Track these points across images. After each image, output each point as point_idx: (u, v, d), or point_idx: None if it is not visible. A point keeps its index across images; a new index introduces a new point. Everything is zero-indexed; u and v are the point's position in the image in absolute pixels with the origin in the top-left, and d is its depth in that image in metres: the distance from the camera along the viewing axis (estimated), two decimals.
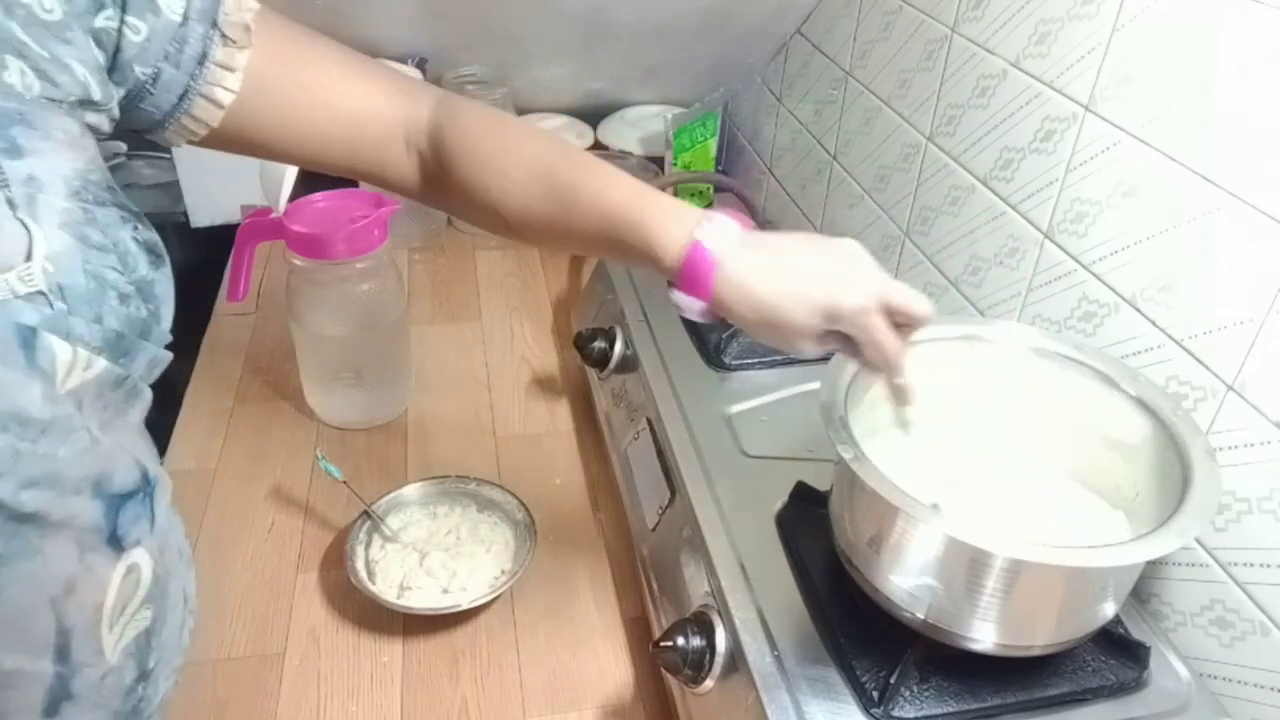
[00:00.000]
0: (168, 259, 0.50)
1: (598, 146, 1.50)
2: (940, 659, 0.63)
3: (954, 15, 0.93)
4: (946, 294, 0.96)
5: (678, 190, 1.42)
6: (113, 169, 0.57)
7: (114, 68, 0.53)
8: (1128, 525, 0.66)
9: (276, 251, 1.22)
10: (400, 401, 1.09)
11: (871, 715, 0.61)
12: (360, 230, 0.97)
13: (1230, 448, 0.65)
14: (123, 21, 0.52)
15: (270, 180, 1.06)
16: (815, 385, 0.65)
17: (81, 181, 0.47)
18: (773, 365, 0.94)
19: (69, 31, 0.48)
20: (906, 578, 0.61)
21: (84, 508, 0.45)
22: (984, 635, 0.60)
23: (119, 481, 0.47)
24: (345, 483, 0.88)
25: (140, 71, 0.54)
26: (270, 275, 1.31)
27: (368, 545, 0.88)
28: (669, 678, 0.73)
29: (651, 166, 1.44)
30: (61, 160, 0.46)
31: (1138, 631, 0.67)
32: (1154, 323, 0.71)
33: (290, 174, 1.06)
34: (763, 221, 1.35)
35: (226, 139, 0.60)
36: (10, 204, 0.43)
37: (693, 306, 0.58)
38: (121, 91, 0.53)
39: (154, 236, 0.50)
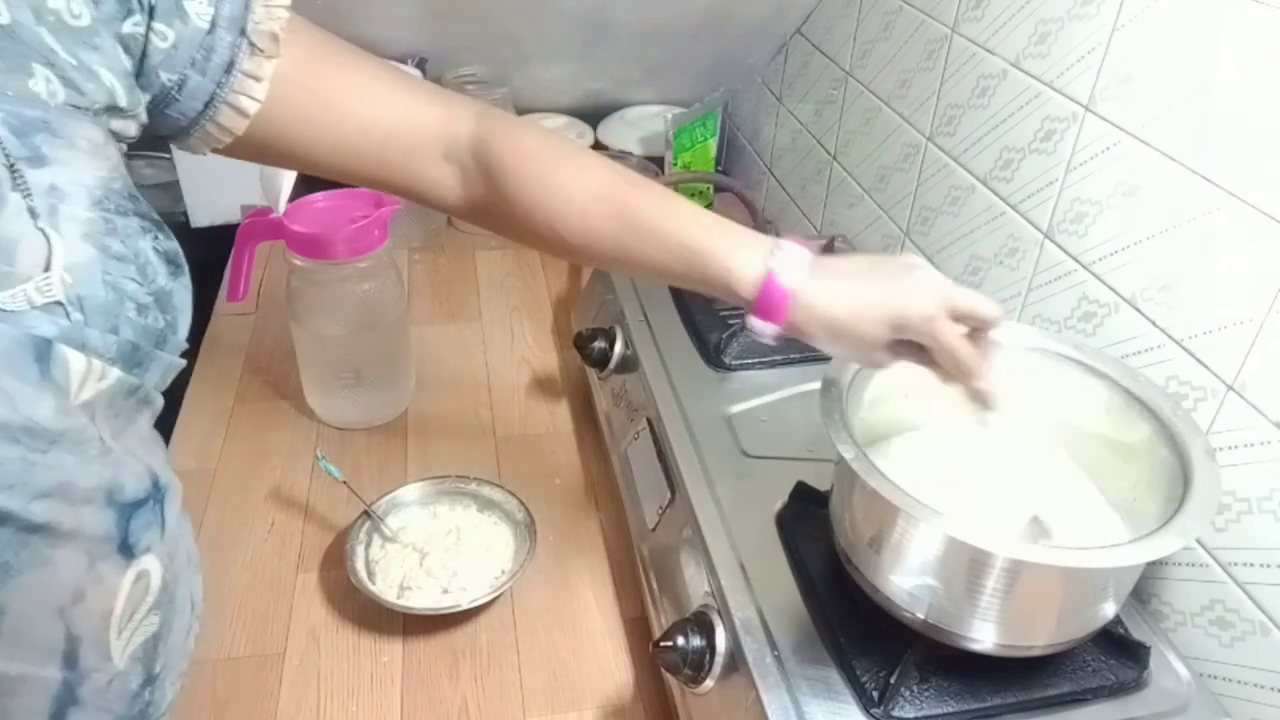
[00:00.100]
0: (187, 269, 0.50)
1: (598, 146, 1.50)
2: (940, 659, 0.63)
3: (954, 15, 0.93)
4: None
5: (677, 190, 1.42)
6: None
7: (140, 73, 0.52)
8: (1128, 526, 0.66)
9: (276, 251, 1.22)
10: (400, 401, 1.09)
11: (871, 715, 0.61)
12: (360, 230, 0.97)
13: (1230, 448, 0.65)
14: (149, 28, 0.52)
15: (270, 180, 1.07)
16: (815, 385, 0.65)
17: (104, 190, 0.46)
18: (773, 365, 0.94)
19: (97, 38, 0.48)
20: (906, 578, 0.61)
21: (95, 517, 0.45)
22: (984, 635, 0.60)
23: (130, 490, 0.47)
24: (345, 483, 0.88)
25: (166, 78, 0.53)
26: (270, 275, 1.31)
27: (368, 545, 0.88)
28: (669, 678, 0.73)
29: (651, 166, 1.44)
30: (84, 169, 0.46)
31: (1138, 631, 0.67)
32: (1154, 323, 0.71)
33: (290, 174, 1.06)
34: (762, 222, 1.35)
35: (252, 147, 0.60)
36: (32, 213, 0.42)
37: (768, 330, 0.61)
38: (147, 97, 0.53)
39: (174, 246, 0.50)
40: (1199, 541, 0.68)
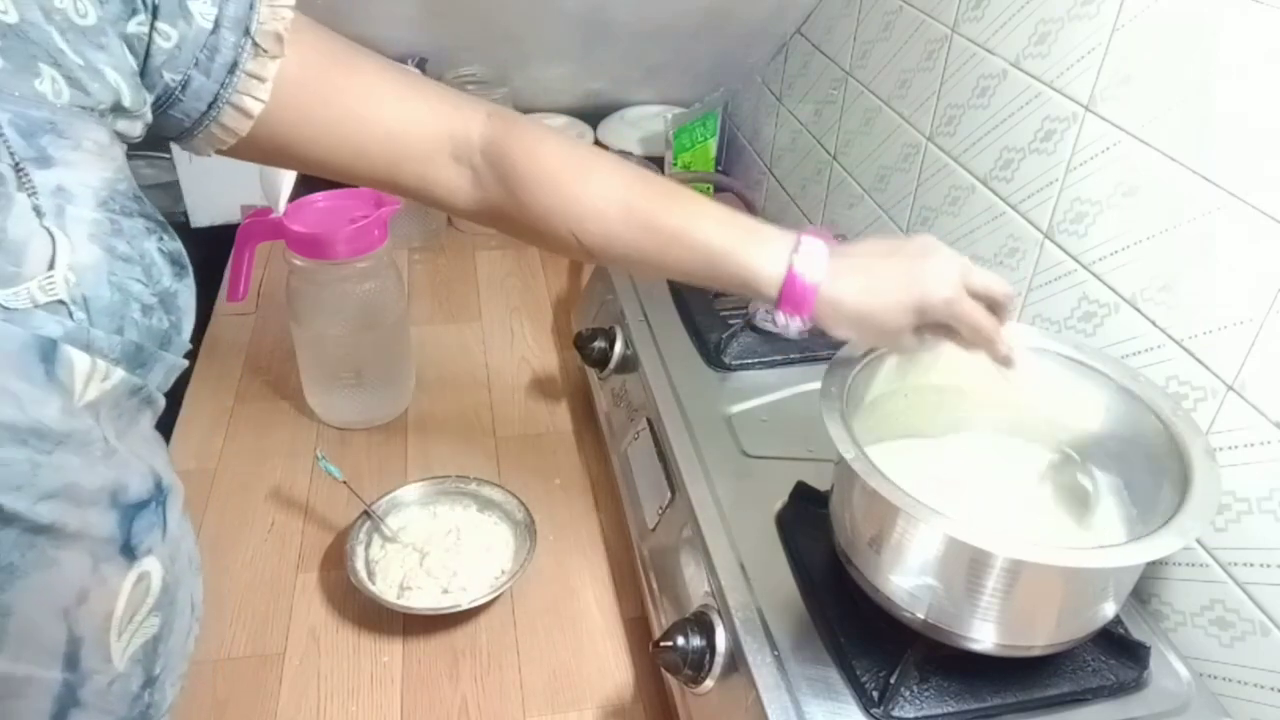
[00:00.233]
0: (191, 270, 0.50)
1: (597, 146, 1.50)
2: (940, 659, 0.63)
3: (954, 15, 0.93)
4: None
5: None
6: None
7: (144, 73, 0.52)
8: (1127, 526, 0.66)
9: (276, 251, 1.22)
10: (400, 401, 1.09)
11: (871, 715, 0.61)
12: (360, 230, 0.97)
13: (1230, 448, 0.65)
14: (153, 27, 0.51)
15: (270, 180, 1.07)
16: (815, 385, 0.65)
17: (109, 192, 0.46)
18: (773, 365, 0.94)
19: (103, 37, 0.48)
20: (906, 578, 0.61)
21: (99, 519, 0.45)
22: (984, 635, 0.60)
23: (134, 491, 0.47)
24: (345, 483, 0.88)
25: (170, 78, 0.53)
26: (270, 275, 1.31)
27: (368, 545, 0.88)
28: (669, 678, 0.73)
29: (652, 166, 1.44)
30: (90, 171, 0.46)
31: (1138, 631, 0.67)
32: (1154, 323, 0.71)
33: (290, 174, 1.06)
34: None
35: (258, 148, 0.60)
36: (37, 211, 0.42)
37: (792, 325, 0.63)
38: (151, 97, 0.53)
39: (178, 247, 0.50)
40: (1199, 541, 0.68)
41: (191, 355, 0.52)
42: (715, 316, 1.00)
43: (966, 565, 0.57)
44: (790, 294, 0.62)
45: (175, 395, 1.08)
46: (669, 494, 0.81)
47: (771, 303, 0.63)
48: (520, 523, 0.90)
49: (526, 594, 0.88)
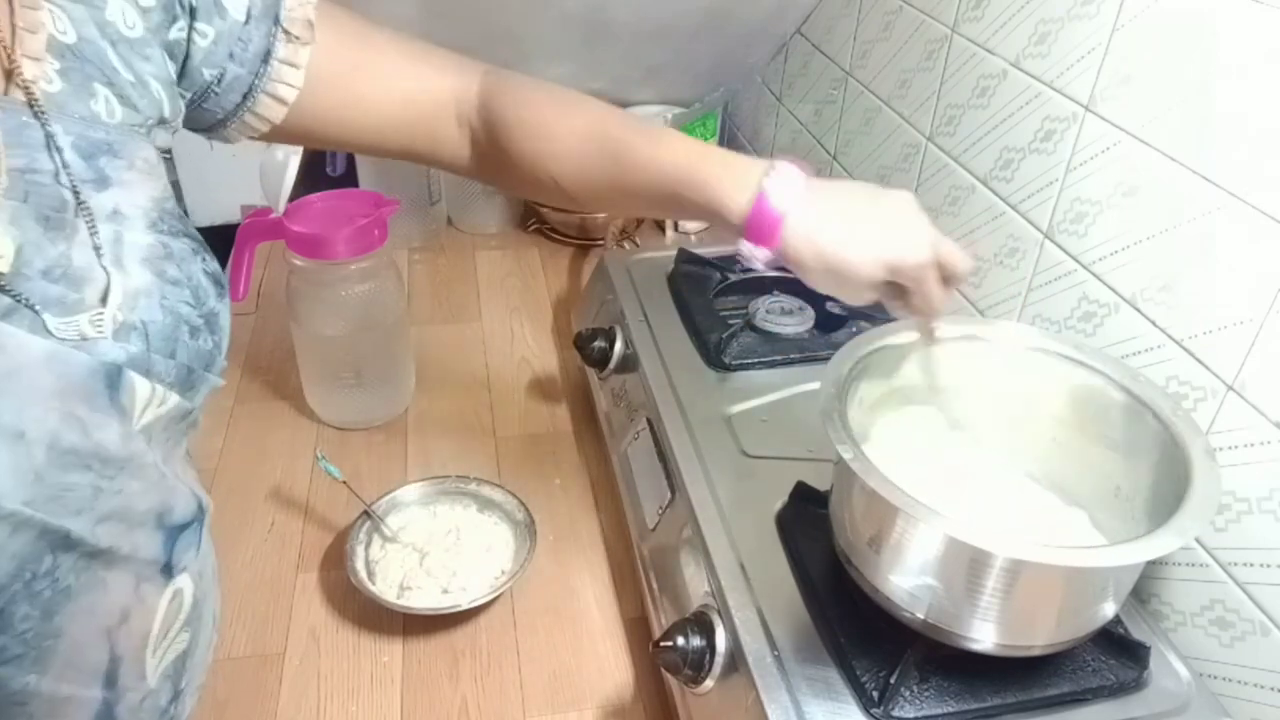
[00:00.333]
0: (227, 288, 0.52)
1: None
2: (940, 659, 0.63)
3: (954, 15, 0.93)
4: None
5: None
6: None
7: (182, 74, 0.53)
8: (1127, 525, 0.66)
9: (276, 251, 1.22)
10: (400, 401, 1.09)
11: (871, 715, 0.61)
12: (360, 230, 0.97)
13: (1230, 448, 0.65)
14: (192, 28, 0.52)
15: (270, 180, 1.06)
16: (815, 385, 0.65)
17: (159, 212, 0.47)
18: (773, 365, 0.94)
19: (148, 48, 0.49)
20: (906, 578, 0.61)
21: (147, 540, 0.46)
22: (984, 635, 0.60)
23: (179, 512, 0.48)
24: (345, 483, 0.88)
25: (208, 74, 0.54)
26: (270, 275, 1.31)
27: (368, 545, 0.88)
28: (669, 678, 0.73)
29: None
30: (141, 190, 0.46)
31: (1138, 631, 0.67)
32: (1154, 323, 0.71)
33: (290, 174, 1.06)
34: None
35: (286, 132, 0.60)
36: (97, 251, 0.43)
37: (759, 256, 0.59)
38: (188, 95, 0.54)
39: (217, 267, 0.51)
40: (1199, 541, 0.68)
41: None
42: (715, 316, 1.00)
43: (966, 565, 0.57)
44: (758, 220, 0.58)
45: None
46: (669, 494, 0.81)
47: (737, 229, 0.59)
48: (520, 523, 0.90)
49: (526, 594, 0.88)
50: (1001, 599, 0.58)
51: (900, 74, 1.03)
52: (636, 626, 0.85)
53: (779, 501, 0.77)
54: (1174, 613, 0.71)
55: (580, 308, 1.18)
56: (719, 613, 0.68)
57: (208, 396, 0.50)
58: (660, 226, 1.32)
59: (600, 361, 1.01)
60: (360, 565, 0.86)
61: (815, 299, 0.99)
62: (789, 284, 1.00)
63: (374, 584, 0.85)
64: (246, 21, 0.55)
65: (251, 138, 0.60)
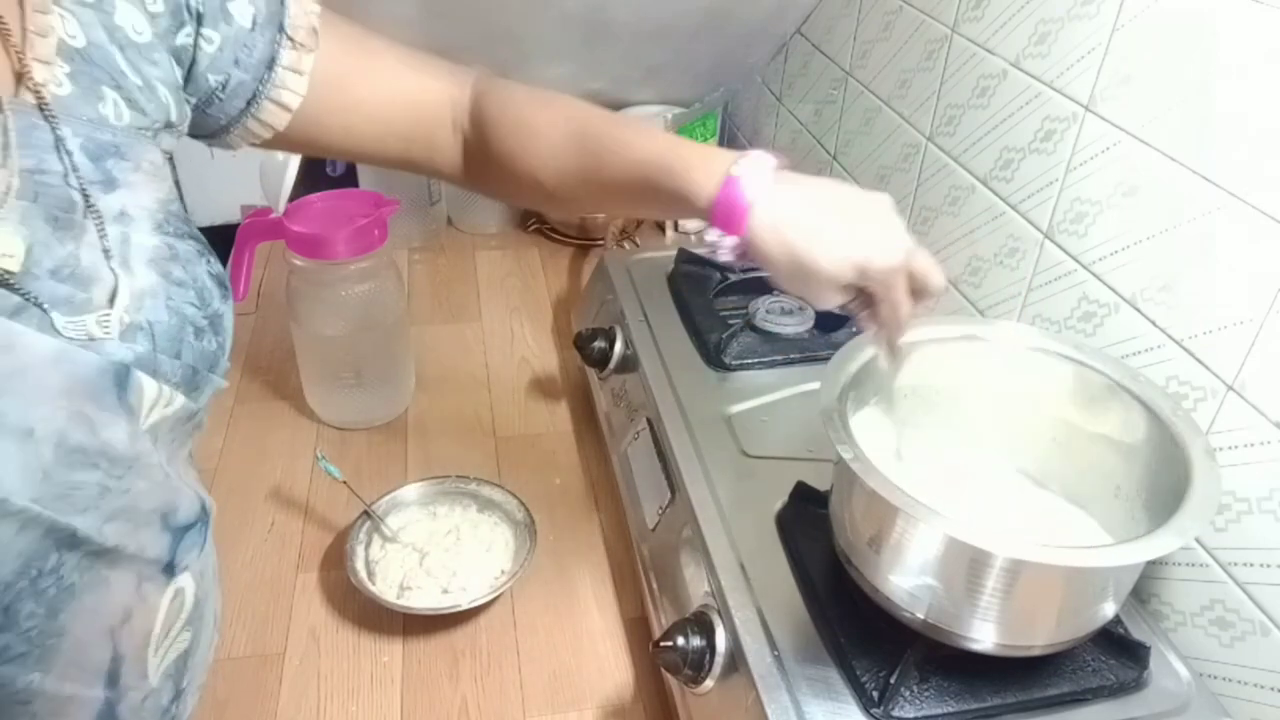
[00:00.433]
0: (231, 291, 0.52)
1: None
2: (940, 659, 0.63)
3: (954, 15, 0.93)
4: (946, 294, 0.96)
5: None
6: None
7: (188, 79, 0.53)
8: (1127, 525, 0.66)
9: (276, 251, 1.22)
10: (400, 401, 1.09)
11: (871, 715, 0.61)
12: (360, 230, 0.97)
13: (1230, 448, 0.65)
14: (198, 34, 0.53)
15: (270, 180, 1.06)
16: (815, 385, 0.65)
17: (164, 214, 0.48)
18: (773, 365, 0.94)
19: (155, 53, 0.49)
20: (906, 578, 0.61)
21: (153, 540, 0.46)
22: (984, 635, 0.60)
23: (183, 513, 0.49)
24: (345, 483, 0.88)
25: (213, 79, 0.54)
26: (270, 275, 1.31)
27: (368, 545, 0.88)
28: (669, 678, 0.73)
29: None
30: (147, 192, 0.47)
31: (1138, 631, 0.67)
32: (1154, 323, 0.71)
33: (290, 174, 1.06)
34: None
35: (288, 139, 0.61)
36: (106, 254, 0.44)
37: (725, 244, 0.57)
38: (193, 101, 0.54)
39: (221, 269, 0.51)
40: (1199, 541, 0.68)
41: None
42: (715, 316, 1.00)
43: (966, 565, 0.57)
44: (725, 205, 0.56)
45: None
46: (669, 494, 0.81)
47: (705, 214, 0.57)
48: (520, 523, 0.90)
49: (526, 594, 0.88)
50: (1001, 599, 0.58)
51: (900, 74, 1.03)
52: (636, 626, 0.85)
53: (779, 501, 0.77)
54: (1174, 613, 0.71)
55: (580, 308, 1.18)
56: (719, 613, 0.68)
57: (212, 398, 0.50)
58: (660, 227, 1.32)
59: (600, 361, 1.01)
60: (360, 565, 0.86)
61: None
62: None
63: (374, 584, 0.85)
64: (252, 28, 0.55)
65: (254, 144, 0.60)
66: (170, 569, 0.48)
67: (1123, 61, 0.73)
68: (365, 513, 0.89)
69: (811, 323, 0.98)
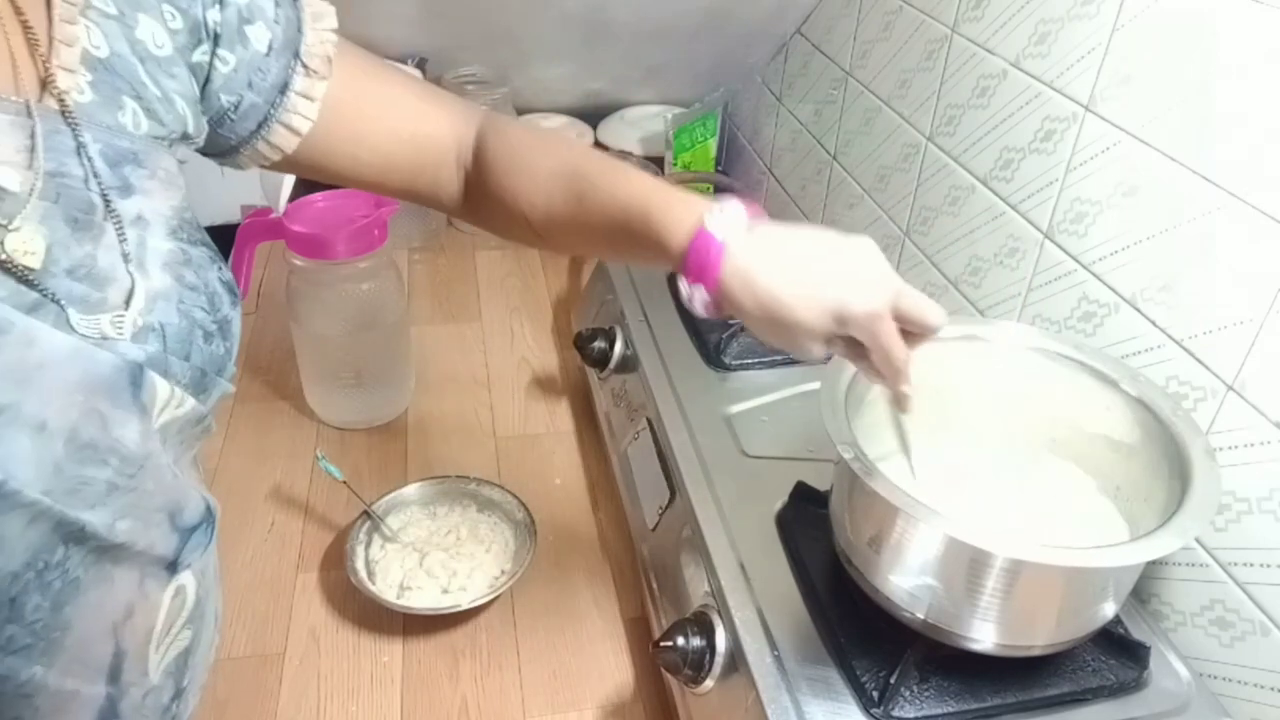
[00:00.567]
0: (240, 297, 0.53)
1: (598, 146, 1.50)
2: (940, 659, 0.63)
3: (954, 15, 0.93)
4: (946, 294, 0.96)
5: None
6: None
7: (202, 97, 0.54)
8: (1127, 525, 0.66)
9: (276, 251, 1.22)
10: (400, 401, 1.09)
11: (871, 715, 0.61)
12: (360, 230, 0.97)
13: (1230, 448, 0.65)
14: (214, 54, 0.54)
15: (270, 180, 1.07)
16: (815, 385, 0.65)
17: (179, 220, 0.49)
18: (773, 365, 0.94)
19: (175, 67, 0.51)
20: (906, 578, 0.61)
21: (161, 539, 0.47)
22: (984, 635, 0.60)
23: (190, 514, 0.50)
24: (345, 483, 0.88)
25: (225, 100, 0.55)
26: (270, 275, 1.31)
27: (368, 545, 0.88)
28: (669, 678, 0.73)
29: (651, 166, 1.44)
30: (162, 199, 0.48)
31: (1138, 631, 0.67)
32: (1154, 323, 0.71)
33: (290, 175, 1.06)
34: None
35: (296, 163, 0.61)
36: (125, 257, 0.45)
37: (698, 298, 0.56)
38: (205, 118, 0.55)
39: (230, 276, 0.52)
40: (1199, 541, 0.68)
41: None
42: None
43: (966, 565, 0.57)
44: (696, 255, 0.54)
45: None
46: (669, 494, 0.81)
47: (676, 263, 0.56)
48: (520, 523, 0.90)
49: (526, 594, 0.88)
50: (1001, 599, 0.58)
51: (900, 74, 1.03)
52: (636, 626, 0.85)
53: (779, 501, 0.77)
54: (1174, 613, 0.71)
55: (580, 308, 1.18)
56: (719, 613, 0.68)
57: (219, 402, 0.51)
58: None
59: (600, 361, 1.01)
60: (360, 565, 0.86)
61: None
62: None
63: (374, 584, 0.85)
64: (268, 53, 0.56)
65: (263, 166, 0.61)
66: (173, 566, 0.49)
67: (1123, 61, 0.73)
68: (365, 513, 0.89)
69: None
